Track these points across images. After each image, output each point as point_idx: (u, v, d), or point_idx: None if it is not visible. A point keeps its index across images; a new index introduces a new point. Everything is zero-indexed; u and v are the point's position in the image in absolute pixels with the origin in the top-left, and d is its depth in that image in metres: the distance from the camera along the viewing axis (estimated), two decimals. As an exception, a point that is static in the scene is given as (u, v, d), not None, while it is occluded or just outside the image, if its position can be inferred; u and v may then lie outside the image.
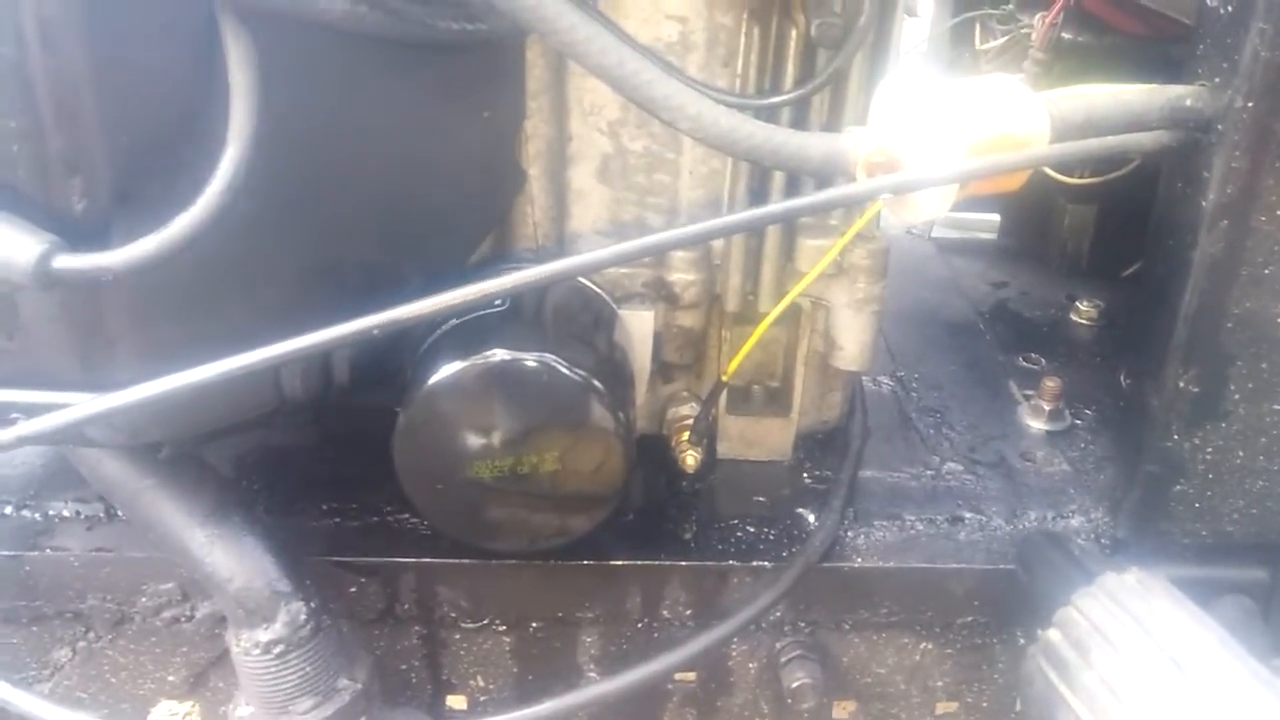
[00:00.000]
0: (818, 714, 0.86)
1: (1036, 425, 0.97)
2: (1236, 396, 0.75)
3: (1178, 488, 0.78)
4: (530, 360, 0.70)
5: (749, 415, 0.89)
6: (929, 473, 0.90)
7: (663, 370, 0.88)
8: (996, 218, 1.41)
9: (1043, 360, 1.07)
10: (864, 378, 1.01)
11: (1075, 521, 0.84)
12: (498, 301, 0.74)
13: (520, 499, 0.72)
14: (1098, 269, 1.26)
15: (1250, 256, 0.71)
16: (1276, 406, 0.75)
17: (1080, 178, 1.19)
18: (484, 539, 0.75)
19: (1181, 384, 0.75)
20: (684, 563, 0.80)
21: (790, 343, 0.88)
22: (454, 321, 0.73)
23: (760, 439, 0.90)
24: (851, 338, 0.84)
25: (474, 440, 0.70)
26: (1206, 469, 0.77)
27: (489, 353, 0.69)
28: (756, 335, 0.79)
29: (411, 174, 0.69)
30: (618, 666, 0.81)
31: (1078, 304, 1.17)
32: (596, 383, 0.71)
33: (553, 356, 0.70)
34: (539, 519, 0.73)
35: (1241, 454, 0.77)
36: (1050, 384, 0.97)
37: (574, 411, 0.71)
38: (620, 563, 0.79)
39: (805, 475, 0.89)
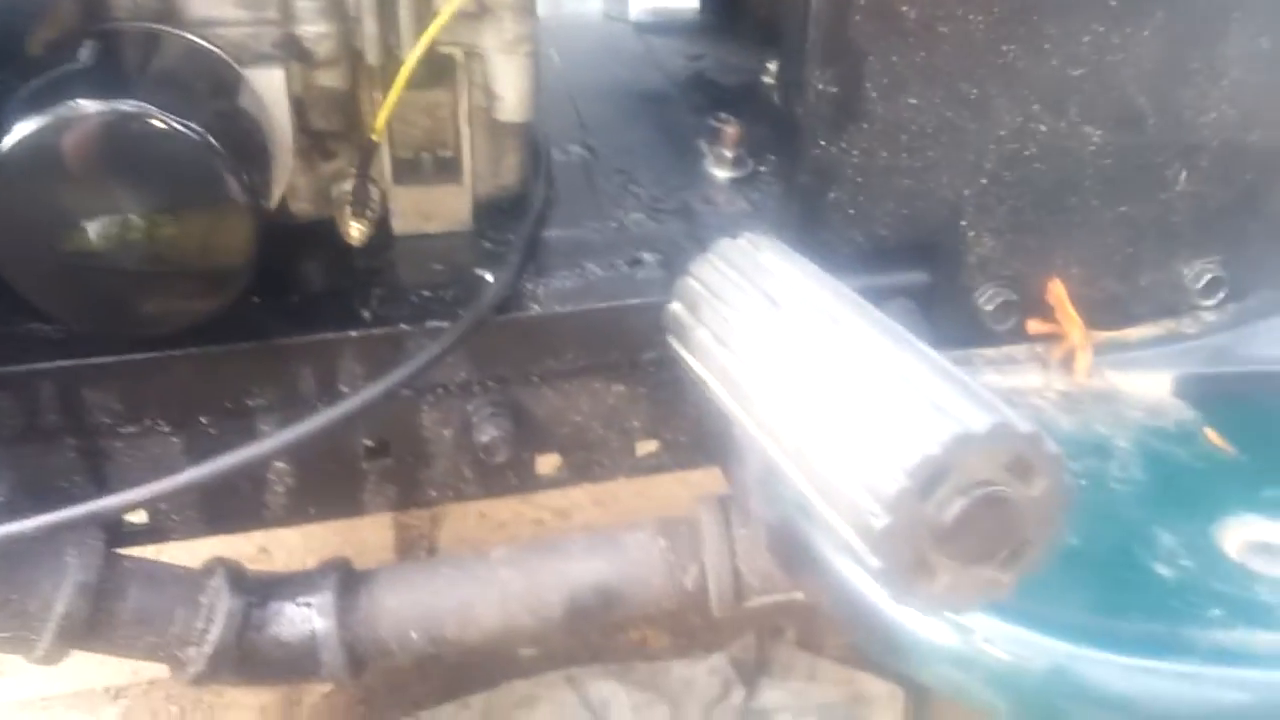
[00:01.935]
0: (522, 472, 0.86)
1: (720, 174, 0.98)
2: (874, 94, 0.77)
3: (831, 195, 0.80)
4: (125, 110, 0.63)
5: (420, 185, 0.85)
6: (612, 225, 0.89)
7: (318, 144, 0.82)
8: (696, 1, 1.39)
9: (732, 119, 1.08)
10: (553, 147, 0.99)
11: (749, 248, 0.86)
12: (81, 59, 0.66)
13: (141, 277, 0.66)
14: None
15: (869, -56, 0.72)
16: (912, 101, 0.78)
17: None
18: (114, 325, 0.69)
19: (820, 86, 0.76)
20: (355, 333, 0.76)
21: (452, 103, 0.83)
22: (34, 82, 0.65)
23: (435, 210, 0.86)
24: (509, 85, 0.81)
25: (70, 208, 0.63)
26: (855, 173, 0.80)
27: (73, 104, 0.62)
28: (399, 85, 0.74)
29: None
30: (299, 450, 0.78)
31: (768, 66, 1.18)
32: (211, 138, 0.65)
33: (155, 108, 0.64)
34: (167, 298, 0.68)
35: (885, 154, 0.79)
36: (730, 131, 0.98)
37: (184, 170, 0.64)
38: (285, 341, 0.75)
39: (485, 241, 0.86)
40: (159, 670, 1.29)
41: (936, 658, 0.65)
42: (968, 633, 0.63)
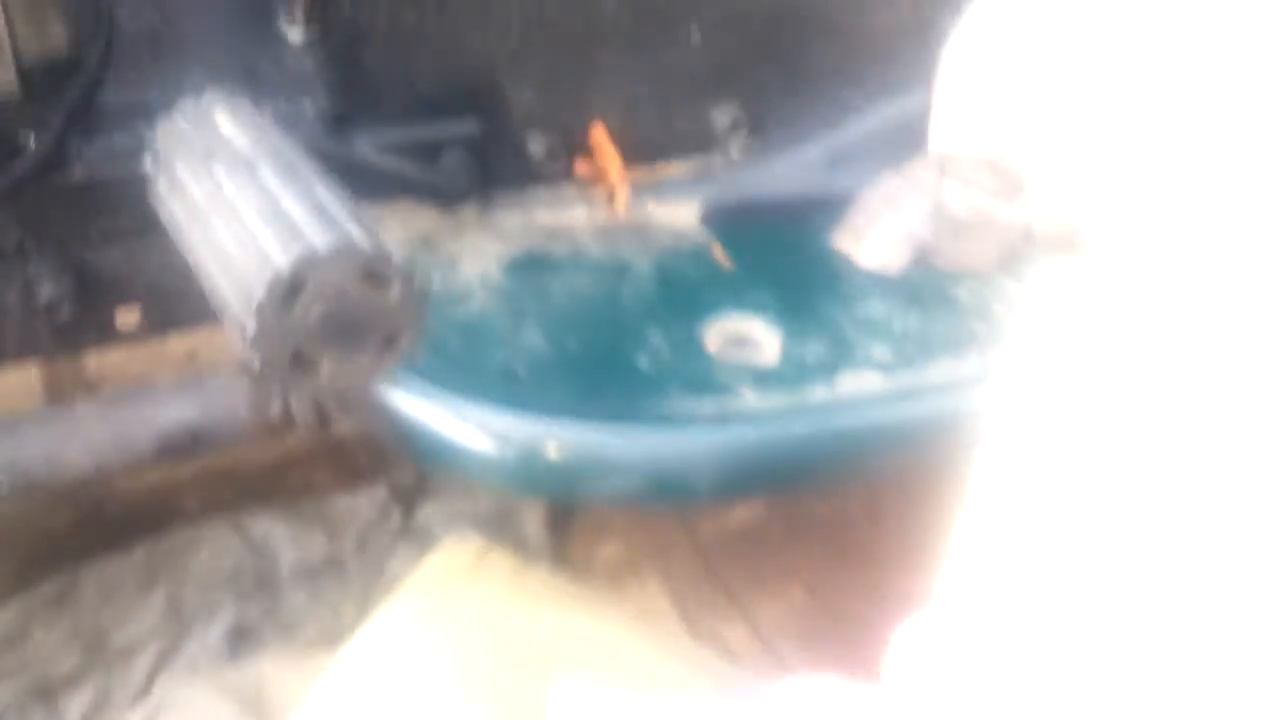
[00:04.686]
0: (101, 328, 0.91)
1: (292, 35, 1.02)
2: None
3: (366, 56, 0.88)
4: None
5: (-41, 52, 0.85)
6: (173, 87, 0.93)
7: None
8: None
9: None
10: (120, 11, 1.00)
11: (306, 106, 0.93)
12: None
13: None
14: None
15: None
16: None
17: None
18: None
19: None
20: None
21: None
22: None
23: (-22, 77, 0.87)
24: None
25: None
26: (385, 35, 0.87)
27: None
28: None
29: None
30: None
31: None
32: None
33: None
34: None
35: (412, 16, 0.87)
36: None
37: None
38: None
39: (35, 106, 0.88)
40: None
41: (445, 449, 0.78)
42: (465, 421, 0.77)
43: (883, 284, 1.00)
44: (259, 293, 0.49)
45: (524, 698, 0.75)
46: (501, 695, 0.76)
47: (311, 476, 1.53)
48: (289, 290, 0.50)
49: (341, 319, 0.52)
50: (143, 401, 0.91)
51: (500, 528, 1.48)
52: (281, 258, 0.50)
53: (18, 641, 1.31)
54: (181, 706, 1.29)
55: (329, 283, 0.50)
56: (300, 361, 0.52)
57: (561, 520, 1.52)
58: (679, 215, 1.05)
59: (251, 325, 0.50)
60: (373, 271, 0.52)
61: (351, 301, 0.52)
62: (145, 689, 1.33)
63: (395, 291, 0.53)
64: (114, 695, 1.32)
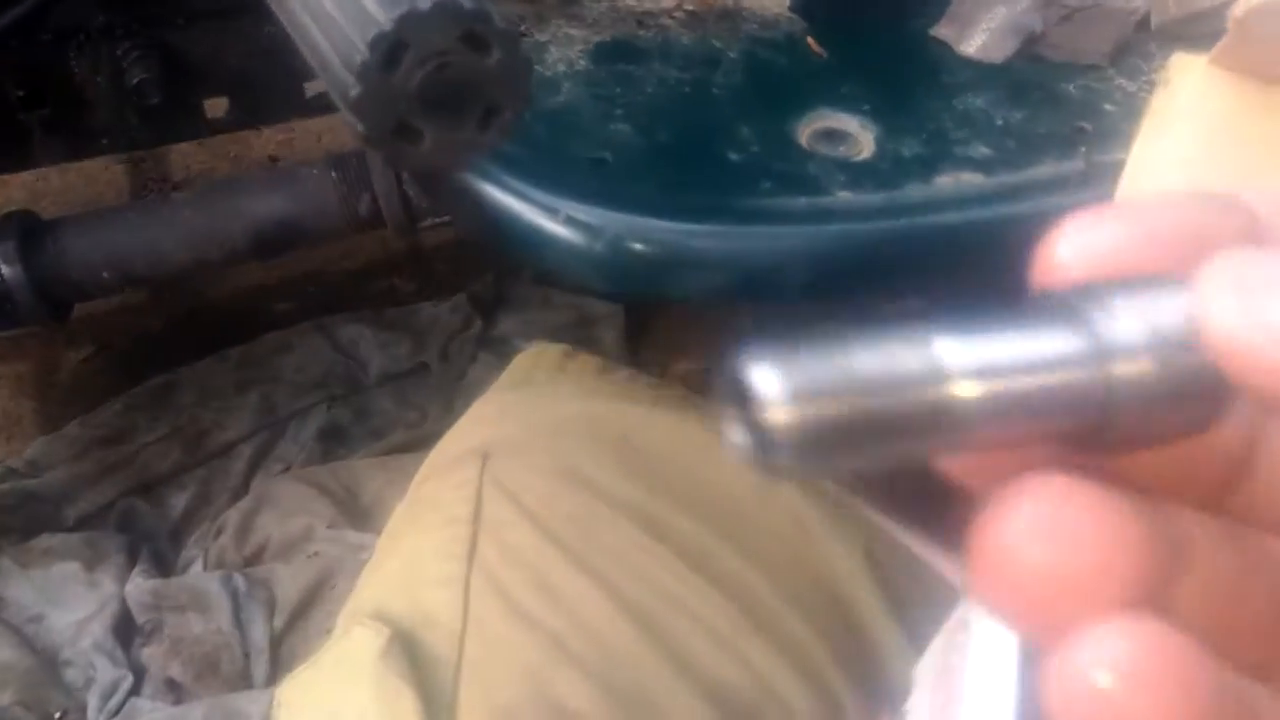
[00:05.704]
0: (190, 116, 0.91)
1: None
2: None
3: None
4: None
5: None
6: None
7: None
8: None
9: None
10: None
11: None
12: None
13: None
14: None
15: None
16: None
17: None
18: None
19: None
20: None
21: None
22: None
23: None
24: None
25: None
26: None
27: None
28: None
29: None
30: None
31: None
32: None
33: None
34: None
35: None
36: None
37: None
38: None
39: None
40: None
41: (537, 239, 0.78)
42: (554, 213, 0.76)
43: (985, 76, 0.94)
44: (361, 53, 0.48)
45: (616, 487, 0.77)
46: (587, 482, 0.77)
47: (394, 284, 1.55)
48: (392, 49, 0.48)
49: (443, 86, 0.50)
50: (235, 192, 0.91)
51: (578, 338, 1.49)
52: (383, 15, 0.48)
53: (122, 439, 1.38)
54: (278, 503, 1.36)
55: (431, 44, 0.49)
56: (403, 131, 0.51)
57: (637, 334, 1.53)
58: (770, 1, 1.00)
59: (355, 88, 0.48)
60: (474, 33, 0.50)
61: (453, 67, 0.50)
62: (243, 486, 1.40)
63: (496, 56, 0.51)
64: (214, 492, 1.40)
